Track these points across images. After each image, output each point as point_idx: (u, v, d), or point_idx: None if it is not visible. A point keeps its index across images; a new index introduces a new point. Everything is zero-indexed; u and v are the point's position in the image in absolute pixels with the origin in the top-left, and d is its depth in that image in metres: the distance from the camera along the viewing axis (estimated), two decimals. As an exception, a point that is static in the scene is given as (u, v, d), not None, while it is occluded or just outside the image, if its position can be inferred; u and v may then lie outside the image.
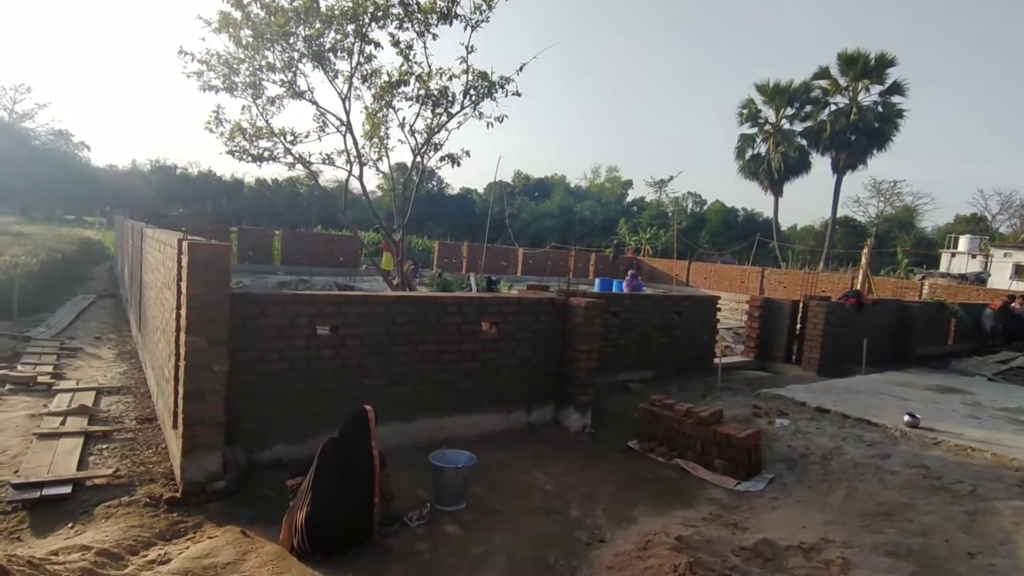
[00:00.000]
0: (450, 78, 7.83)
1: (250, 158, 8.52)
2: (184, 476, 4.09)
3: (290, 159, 8.38)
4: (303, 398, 4.75)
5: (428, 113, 8.22)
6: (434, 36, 7.86)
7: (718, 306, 9.33)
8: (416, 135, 8.31)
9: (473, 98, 7.87)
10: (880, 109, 34.39)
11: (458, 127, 8.34)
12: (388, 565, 3.48)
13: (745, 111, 38.52)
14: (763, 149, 38.44)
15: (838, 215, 46.24)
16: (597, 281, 24.74)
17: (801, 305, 9.69)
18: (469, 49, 7.73)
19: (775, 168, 36.86)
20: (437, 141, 8.29)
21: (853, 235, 52.92)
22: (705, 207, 68.98)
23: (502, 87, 7.78)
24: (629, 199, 72.28)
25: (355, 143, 8.12)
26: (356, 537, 3.54)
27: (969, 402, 7.08)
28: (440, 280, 15.66)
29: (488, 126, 8.16)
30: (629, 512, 4.43)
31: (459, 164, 8.47)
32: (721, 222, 61.18)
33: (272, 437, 4.68)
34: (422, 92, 8.15)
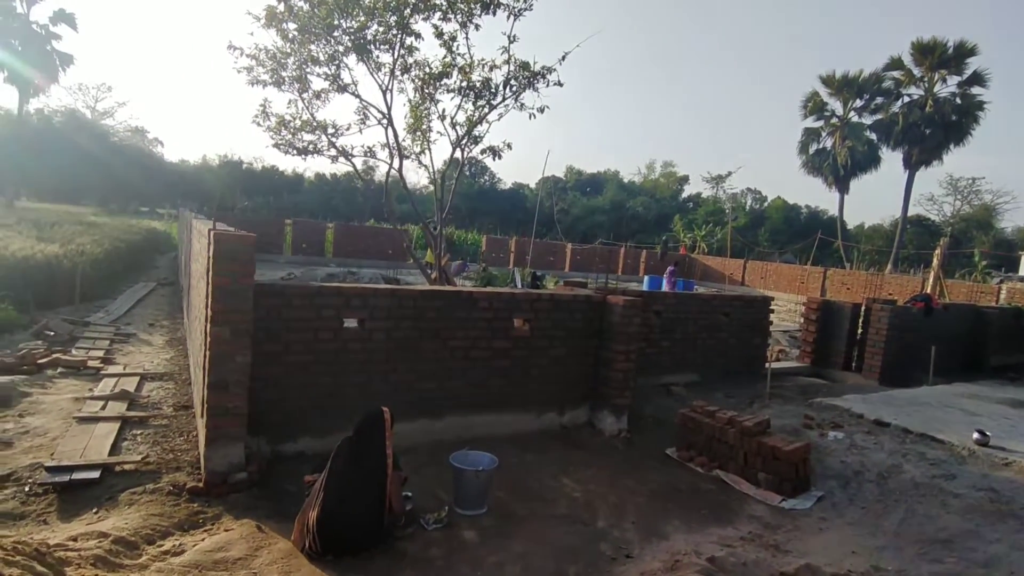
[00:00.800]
0: (491, 68, 7.67)
1: (295, 151, 8.63)
2: (207, 466, 4.09)
3: (333, 152, 8.40)
4: (329, 391, 4.70)
5: (469, 105, 8.08)
6: (476, 27, 7.71)
7: (771, 307, 8.83)
8: (457, 127, 8.19)
9: (515, 89, 7.67)
10: (958, 101, 32.10)
11: (499, 119, 8.18)
12: (400, 570, 3.36)
13: (809, 104, 36.81)
14: (828, 143, 36.65)
15: (910, 214, 43.65)
16: (646, 279, 24.14)
17: (863, 309, 9.06)
18: (511, 39, 7.55)
19: (841, 163, 35.06)
20: (478, 133, 8.14)
21: (926, 235, 49.82)
22: (765, 204, 66.54)
23: (543, 77, 7.56)
24: (684, 195, 70.44)
25: (395, 136, 8.07)
26: (368, 539, 3.43)
27: (1051, 420, 6.40)
28: (485, 275, 15.58)
29: (531, 117, 7.97)
30: (661, 526, 4.16)
31: (500, 156, 8.31)
32: (782, 219, 58.88)
33: (297, 430, 4.65)
34: (464, 84, 8.01)
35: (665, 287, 14.72)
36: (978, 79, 31.79)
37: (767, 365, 8.36)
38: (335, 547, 3.32)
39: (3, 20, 32.29)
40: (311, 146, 8.55)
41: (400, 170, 8.40)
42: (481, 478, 4.00)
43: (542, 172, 27.26)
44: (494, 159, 8.34)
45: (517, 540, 3.77)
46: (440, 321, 5.18)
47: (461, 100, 8.01)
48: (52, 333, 7.75)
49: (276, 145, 8.38)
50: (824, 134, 36.78)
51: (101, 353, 7.15)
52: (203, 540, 3.51)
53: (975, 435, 5.16)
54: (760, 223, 58.84)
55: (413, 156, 9.27)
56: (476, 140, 8.26)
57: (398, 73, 8.04)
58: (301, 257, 22.15)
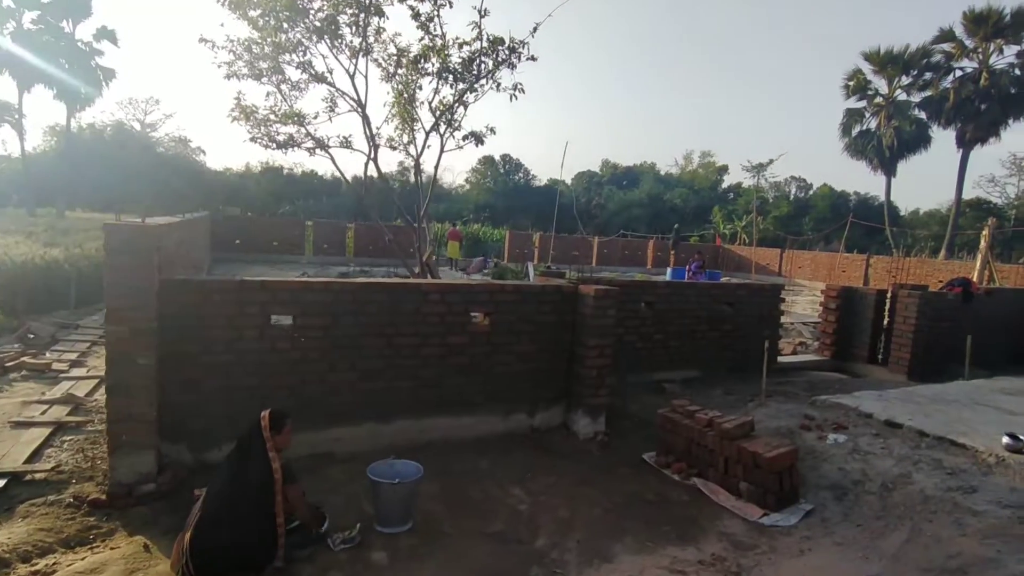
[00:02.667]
0: (460, 46, 7.19)
1: (275, 145, 8.36)
2: (111, 477, 3.78)
3: (311, 144, 8.09)
4: (256, 393, 4.32)
5: (448, 89, 7.64)
6: (449, 3, 7.23)
7: (783, 296, 8.07)
8: (435, 113, 7.75)
9: (489, 67, 7.17)
10: (1017, 72, 29.76)
11: (474, 100, 7.69)
12: (284, 599, 2.94)
13: (852, 83, 34.84)
14: (873, 124, 34.67)
15: (969, 196, 40.93)
16: (669, 271, 23.20)
17: (889, 295, 8.18)
18: (483, 12, 7.04)
19: (887, 144, 33.07)
20: (457, 119, 7.68)
21: (986, 218, 46.65)
22: (811, 191, 63.86)
23: (514, 51, 7.03)
24: (724, 185, 68.25)
25: (368, 123, 7.69)
26: (250, 563, 3.02)
27: (1107, 419, 5.49)
28: (497, 270, 15.15)
29: (511, 98, 7.45)
30: (609, 546, 3.62)
31: (483, 143, 7.83)
32: (828, 207, 56.29)
33: (222, 436, 4.27)
34: (441, 66, 7.56)
35: (686, 280, 13.90)
36: (1038, 46, 29.41)
37: (775, 359, 7.64)
38: (210, 572, 2.92)
39: (52, 40, 33.72)
40: (290, 139, 8.27)
41: (376, 160, 8.02)
42: (399, 492, 3.54)
43: (561, 165, 26.60)
44: (476, 145, 7.89)
45: (431, 564, 3.30)
46: (384, 316, 4.74)
47: (438, 83, 7.57)
48: (33, 336, 7.70)
49: (253, 139, 8.13)
50: (868, 114, 34.81)
51: (74, 356, 7.03)
52: (81, 560, 3.17)
53: (1005, 439, 4.38)
54: (805, 212, 56.46)
55: (401, 147, 8.88)
56: (452, 124, 7.79)
57: (367, 59, 7.64)
58: (321, 258, 22.19)
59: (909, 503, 3.97)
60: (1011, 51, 30.05)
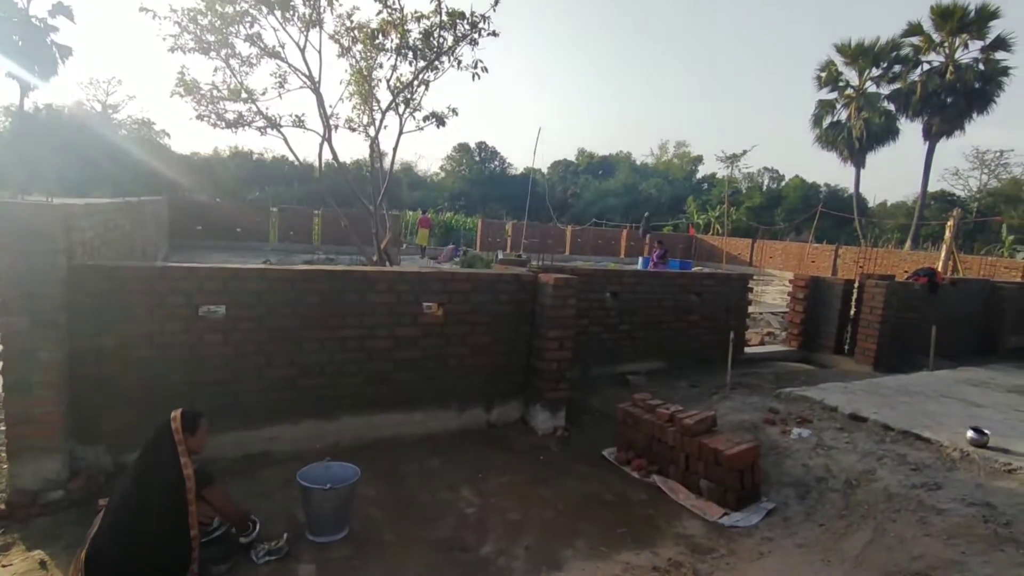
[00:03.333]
0: (419, 19, 6.82)
1: (223, 124, 7.89)
2: (12, 484, 3.42)
3: (261, 123, 7.65)
4: (183, 391, 3.97)
5: (407, 67, 7.27)
6: (407, -28, 6.86)
7: (750, 286, 7.93)
8: (393, 91, 7.38)
9: (448, 43, 6.82)
10: (981, 67, 30.28)
11: (435, 79, 7.34)
12: (191, 621, 2.64)
13: (824, 74, 35.07)
14: (843, 115, 34.98)
15: (934, 189, 41.75)
16: (641, 260, 23.15)
17: (856, 285, 8.11)
18: (442, -17, 6.69)
19: (856, 136, 33.42)
20: (417, 99, 7.32)
21: (950, 210, 47.71)
22: (783, 183, 64.64)
23: (475, 26, 6.69)
24: (699, 176, 68.69)
25: (321, 101, 7.27)
26: (157, 578, 2.71)
27: (1069, 410, 5.46)
28: (466, 258, 14.84)
29: (473, 78, 7.11)
30: (559, 551, 3.39)
31: (444, 124, 7.48)
32: (799, 199, 57.01)
33: (145, 437, 3.94)
34: (399, 42, 7.19)
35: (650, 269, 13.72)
36: (1002, 43, 29.91)
37: (742, 350, 7.51)
38: (108, 591, 2.60)
39: (4, 15, 32.02)
40: (239, 118, 7.81)
41: (330, 141, 7.62)
42: (331, 498, 3.25)
43: (534, 152, 26.24)
44: (438, 126, 7.55)
45: (363, 577, 3.03)
46: (327, 307, 4.42)
47: (396, 60, 7.20)
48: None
49: (200, 117, 7.65)
50: (839, 106, 35.11)
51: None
52: (-35, 581, 2.83)
53: (970, 433, 4.26)
54: (777, 203, 57.14)
55: (360, 128, 8.48)
56: (410, 103, 7.43)
57: (330, 33, 7.22)
58: (287, 245, 21.58)
59: (873, 501, 3.81)
60: (975, 46, 30.59)
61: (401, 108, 7.51)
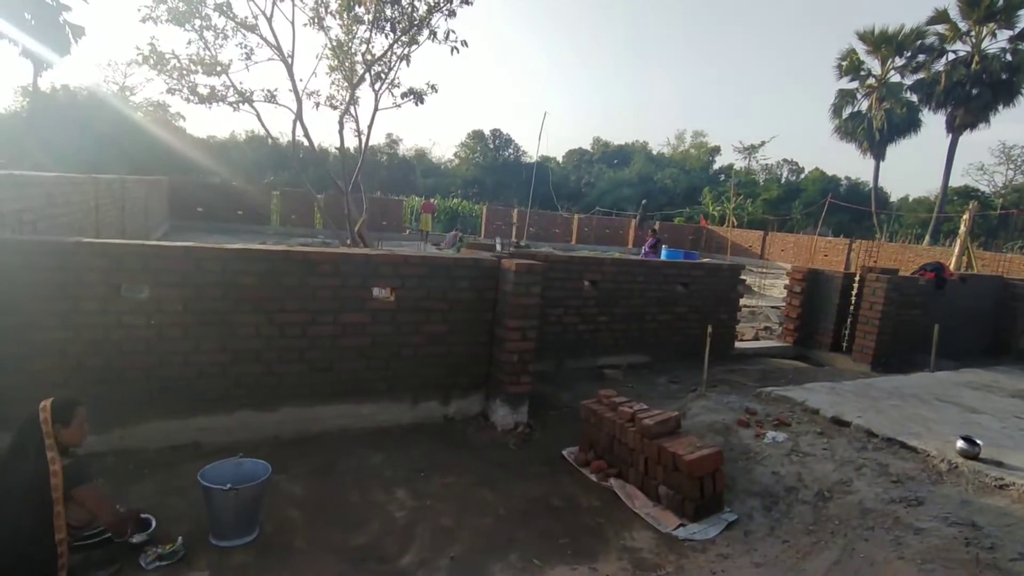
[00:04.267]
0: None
1: (196, 99, 7.61)
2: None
3: (234, 97, 7.35)
4: (101, 376, 3.72)
5: (382, 39, 6.90)
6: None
7: (743, 277, 7.51)
8: (367, 64, 7.02)
9: (422, 12, 6.44)
10: (1008, 57, 29.13)
11: (412, 51, 6.96)
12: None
13: (844, 63, 34.04)
14: (864, 106, 33.99)
15: (958, 184, 40.53)
16: (664, 252, 22.55)
17: (857, 279, 7.65)
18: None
19: (877, 127, 32.44)
20: (394, 74, 6.96)
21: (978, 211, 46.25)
22: (802, 175, 63.40)
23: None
24: (716, 166, 67.55)
25: (292, 74, 6.95)
26: (15, 587, 2.44)
27: (1078, 419, 5.01)
28: (460, 243, 14.52)
29: (453, 51, 6.73)
30: (488, 564, 3.07)
31: (422, 101, 7.12)
32: (818, 192, 55.87)
33: (58, 424, 3.68)
34: (375, 14, 6.82)
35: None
36: (1030, 32, 28.73)
37: (732, 345, 7.12)
38: (-43, 601, 2.34)
39: (16, -6, 32.08)
40: (212, 92, 7.52)
41: (301, 117, 7.30)
42: (232, 499, 2.95)
43: (539, 138, 25.77)
44: (416, 103, 7.19)
45: (257, 588, 2.74)
46: (263, 289, 4.12)
47: (372, 32, 6.82)
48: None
49: (171, 91, 7.38)
50: (860, 96, 34.11)
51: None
52: None
53: (959, 443, 3.86)
54: (795, 196, 56.04)
55: (341, 106, 8.15)
56: (384, 78, 7.06)
57: (300, 3, 6.88)
58: (288, 228, 21.41)
59: (845, 516, 3.44)
60: (1004, 35, 29.41)
61: (377, 84, 7.15)
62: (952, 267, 11.86)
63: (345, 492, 3.66)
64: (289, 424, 4.31)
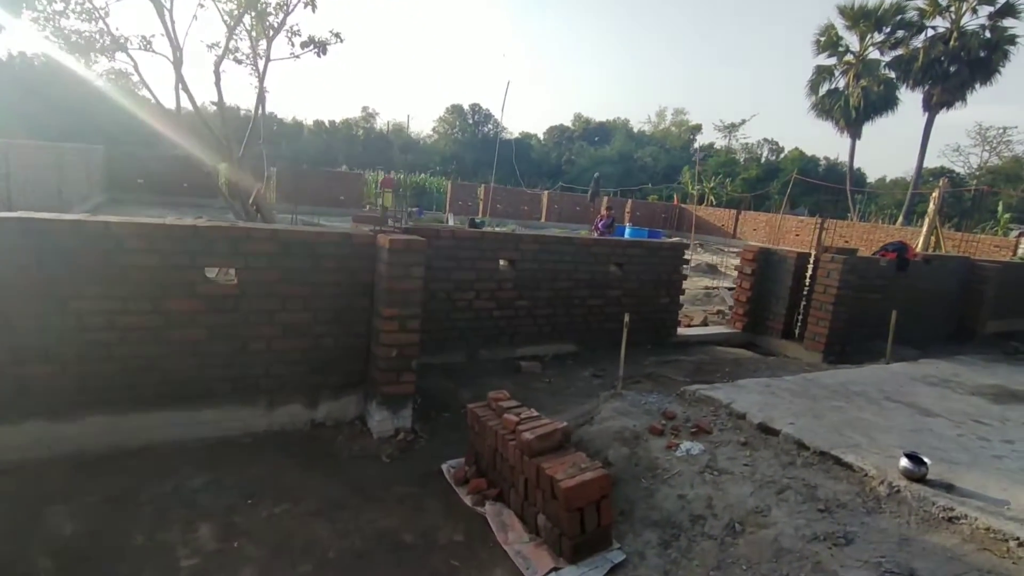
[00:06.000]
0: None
1: (68, 47, 6.59)
2: None
3: (109, 43, 6.36)
4: None
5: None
6: None
7: (686, 257, 6.79)
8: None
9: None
10: (987, 35, 28.60)
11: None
12: None
13: (823, 38, 33.25)
14: (841, 83, 33.33)
15: (934, 165, 40.30)
16: (627, 230, 21.86)
17: (812, 260, 6.97)
18: None
19: (853, 105, 31.84)
20: (291, 25, 6.03)
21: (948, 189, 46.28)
22: (782, 155, 63.05)
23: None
24: (697, 145, 66.85)
25: (162, 15, 5.97)
26: None
27: (1044, 422, 4.39)
28: (422, 221, 13.62)
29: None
30: (273, 638, 2.31)
31: (325, 52, 6.20)
32: (797, 172, 55.63)
33: None
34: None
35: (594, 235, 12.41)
36: (1011, 9, 28.11)
37: (673, 331, 6.41)
38: None
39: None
40: (88, 41, 6.51)
41: (178, 68, 6.34)
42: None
43: (502, 108, 24.68)
44: (319, 55, 6.27)
45: None
46: (47, 271, 3.26)
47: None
48: None
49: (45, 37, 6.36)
50: (837, 72, 33.44)
51: None
52: None
53: (903, 462, 3.18)
54: (774, 175, 55.69)
55: (247, 60, 7.19)
56: (263, 19, 6.12)
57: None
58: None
59: (756, 558, 2.74)
60: (984, 12, 28.82)
61: (270, 30, 6.21)
62: (919, 247, 11.29)
63: (128, 530, 2.87)
64: (97, 437, 3.49)
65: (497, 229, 18.01)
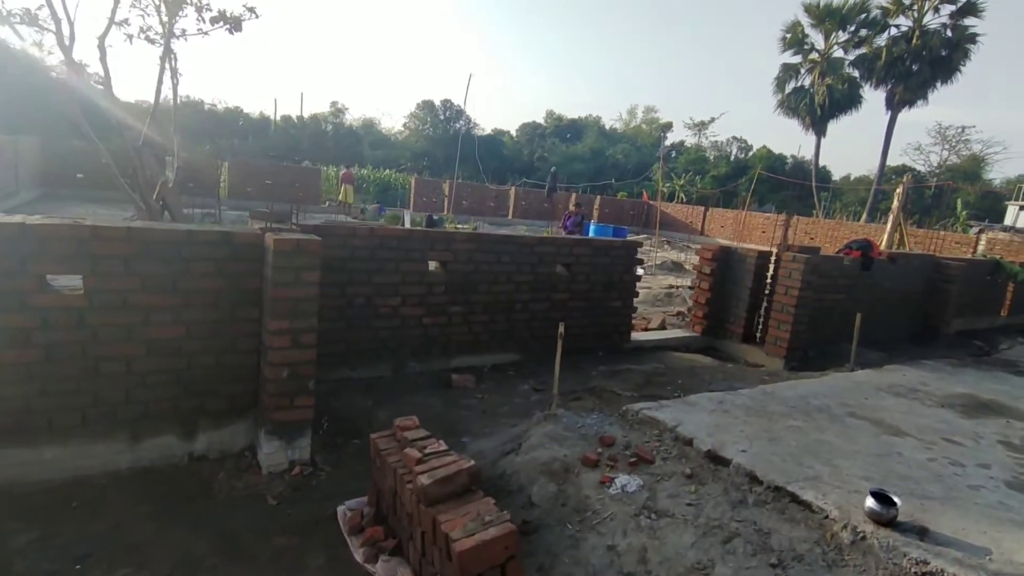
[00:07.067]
0: None
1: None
2: None
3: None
4: None
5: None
6: None
7: (640, 257, 6.29)
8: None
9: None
10: (948, 33, 28.97)
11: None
12: None
13: (789, 36, 33.42)
14: (807, 81, 33.53)
15: (896, 163, 40.93)
16: (592, 227, 21.44)
17: (773, 259, 6.54)
18: None
19: (818, 103, 32.04)
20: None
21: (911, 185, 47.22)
22: (750, 153, 63.65)
23: None
24: (668, 142, 67.03)
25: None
26: None
27: (1018, 441, 3.99)
28: (362, 218, 12.93)
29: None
30: None
31: (239, 28, 5.53)
32: (765, 169, 56.18)
33: None
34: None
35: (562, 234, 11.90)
36: (972, 8, 28.54)
37: (627, 337, 5.92)
38: None
39: None
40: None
41: (65, 46, 5.60)
42: None
43: (464, 98, 24.22)
44: (232, 32, 5.61)
45: None
46: None
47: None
48: None
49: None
50: (803, 70, 33.62)
51: None
52: None
53: (869, 502, 2.71)
54: (742, 173, 56.14)
55: (159, 40, 6.45)
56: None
57: None
58: (186, 198, 19.20)
59: (693, 633, 2.22)
60: (946, 11, 29.17)
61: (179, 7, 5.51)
62: (883, 245, 11.05)
63: None
64: (-101, 484, 2.82)
65: (460, 227, 17.42)
